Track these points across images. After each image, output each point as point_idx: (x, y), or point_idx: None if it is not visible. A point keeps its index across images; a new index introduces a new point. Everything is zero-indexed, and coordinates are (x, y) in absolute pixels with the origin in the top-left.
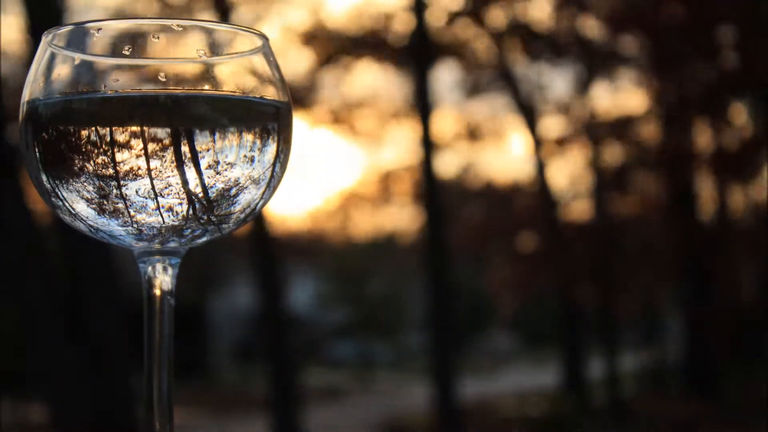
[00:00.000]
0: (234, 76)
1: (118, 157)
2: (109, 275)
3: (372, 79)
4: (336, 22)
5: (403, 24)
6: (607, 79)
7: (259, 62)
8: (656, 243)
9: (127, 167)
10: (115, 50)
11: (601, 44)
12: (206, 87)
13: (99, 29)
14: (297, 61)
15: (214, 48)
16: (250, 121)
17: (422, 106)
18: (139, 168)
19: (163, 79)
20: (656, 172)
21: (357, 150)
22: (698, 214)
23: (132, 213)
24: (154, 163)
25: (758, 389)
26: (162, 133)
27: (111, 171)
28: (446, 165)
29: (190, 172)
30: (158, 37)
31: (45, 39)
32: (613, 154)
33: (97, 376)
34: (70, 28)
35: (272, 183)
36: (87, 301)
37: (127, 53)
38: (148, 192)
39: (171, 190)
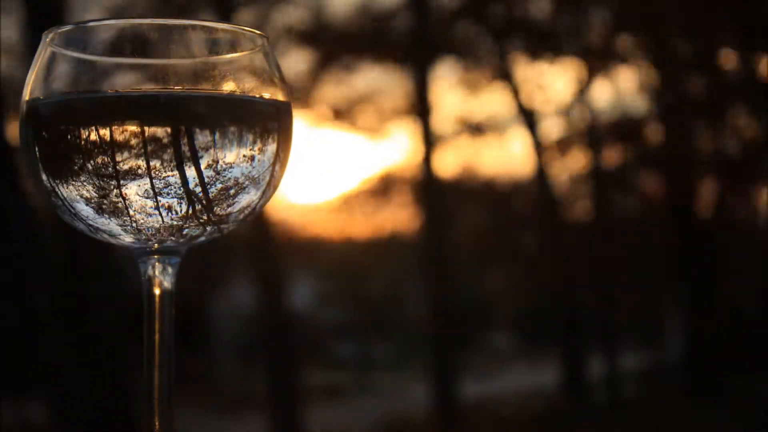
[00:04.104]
0: (234, 75)
1: (118, 156)
2: (109, 275)
3: (372, 78)
4: (336, 20)
5: (403, 22)
6: (607, 79)
7: (260, 62)
8: (656, 243)
9: (126, 167)
10: (115, 50)
11: (601, 44)
12: (206, 87)
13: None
14: (297, 60)
15: (215, 47)
16: (250, 120)
17: (422, 104)
18: (138, 167)
19: (163, 79)
20: (657, 172)
21: (357, 149)
22: (698, 215)
23: (132, 212)
24: (154, 163)
25: (759, 389)
26: (162, 132)
27: (111, 170)
28: (446, 164)
29: (190, 172)
30: (158, 37)
31: (45, 38)
32: (614, 154)
33: (97, 376)
34: (70, 27)
35: (272, 183)
36: (87, 301)
37: (127, 53)
38: (148, 191)
39: (171, 190)
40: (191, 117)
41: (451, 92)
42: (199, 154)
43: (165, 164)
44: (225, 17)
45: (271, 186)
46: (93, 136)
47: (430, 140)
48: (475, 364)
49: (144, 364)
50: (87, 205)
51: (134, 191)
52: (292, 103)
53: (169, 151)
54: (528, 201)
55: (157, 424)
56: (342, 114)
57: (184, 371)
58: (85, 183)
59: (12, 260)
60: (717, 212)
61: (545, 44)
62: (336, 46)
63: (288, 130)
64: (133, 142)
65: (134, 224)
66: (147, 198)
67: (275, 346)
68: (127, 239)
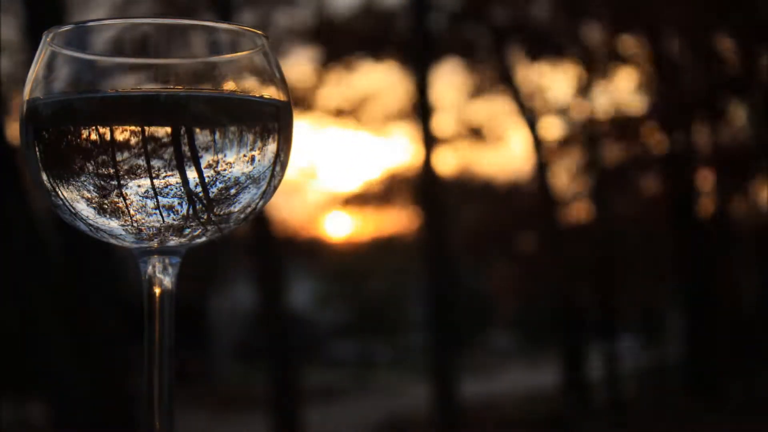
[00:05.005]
0: (234, 75)
1: (119, 156)
2: (109, 274)
3: (374, 79)
4: (338, 21)
5: (404, 23)
6: (607, 80)
7: (260, 61)
8: (656, 243)
9: (127, 166)
10: (115, 50)
11: (601, 45)
12: (206, 86)
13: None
14: (299, 61)
15: (215, 47)
16: (251, 120)
17: (423, 106)
18: (139, 167)
19: (164, 79)
20: (656, 172)
21: (357, 149)
22: (698, 215)
23: (132, 212)
24: (154, 163)
25: (759, 389)
26: (162, 132)
27: (111, 170)
28: (446, 164)
29: (190, 172)
30: (158, 37)
31: (45, 38)
32: (613, 154)
33: (97, 376)
34: (70, 27)
35: (272, 182)
36: (87, 301)
37: (127, 53)
38: (148, 191)
39: (171, 190)
40: (191, 117)
41: (452, 93)
42: (200, 154)
43: (165, 164)
44: (225, 18)
45: (272, 186)
46: (93, 136)
47: (430, 141)
48: (475, 364)
49: (144, 364)
50: (87, 204)
51: (135, 191)
52: (294, 104)
53: (169, 150)
54: (528, 201)
55: (157, 424)
56: (343, 114)
57: (184, 371)
58: (85, 183)
59: (12, 260)
60: (717, 212)
61: (545, 45)
62: (337, 46)
63: (288, 129)
64: (134, 141)
65: (135, 224)
66: (147, 198)
67: (275, 346)
68: (128, 239)
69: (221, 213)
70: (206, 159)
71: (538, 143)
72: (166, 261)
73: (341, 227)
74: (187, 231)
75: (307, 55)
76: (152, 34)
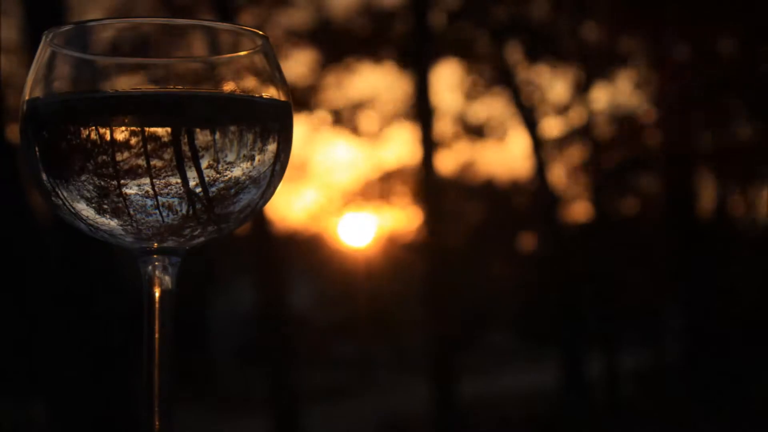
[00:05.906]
0: (234, 75)
1: (118, 156)
2: (109, 275)
3: (373, 79)
4: (336, 22)
5: (403, 23)
6: (606, 79)
7: (260, 61)
8: (656, 243)
9: (127, 166)
10: (115, 50)
11: (600, 44)
12: (206, 86)
13: (100, 28)
14: (298, 62)
15: (215, 47)
16: (251, 120)
17: (423, 105)
18: (139, 167)
19: (163, 79)
20: (656, 172)
21: (357, 149)
22: (698, 215)
23: (132, 212)
24: (154, 163)
25: (759, 390)
26: (162, 132)
27: (111, 170)
28: (446, 164)
29: (190, 172)
30: (159, 37)
31: (45, 38)
32: (613, 154)
33: (97, 377)
34: (70, 27)
35: (272, 182)
36: (87, 301)
37: (127, 53)
38: (148, 191)
39: (171, 190)
40: (191, 117)
41: (451, 93)
42: (199, 154)
43: (165, 164)
44: (225, 18)
45: (272, 186)
46: (93, 136)
47: (430, 141)
48: (475, 364)
49: (144, 364)
50: (87, 204)
51: (134, 191)
52: (294, 104)
53: (169, 150)
54: (527, 201)
55: (157, 424)
56: (343, 115)
57: (184, 371)
58: (85, 183)
59: (12, 260)
60: (717, 212)
61: (545, 45)
62: (336, 48)
63: (288, 129)
64: (133, 141)
65: (134, 224)
66: (147, 198)
67: (275, 346)
68: (128, 239)
69: (221, 213)
70: (206, 159)
71: (538, 143)
72: (166, 261)
73: (341, 227)
74: (187, 231)
75: (306, 56)
76: (152, 34)
